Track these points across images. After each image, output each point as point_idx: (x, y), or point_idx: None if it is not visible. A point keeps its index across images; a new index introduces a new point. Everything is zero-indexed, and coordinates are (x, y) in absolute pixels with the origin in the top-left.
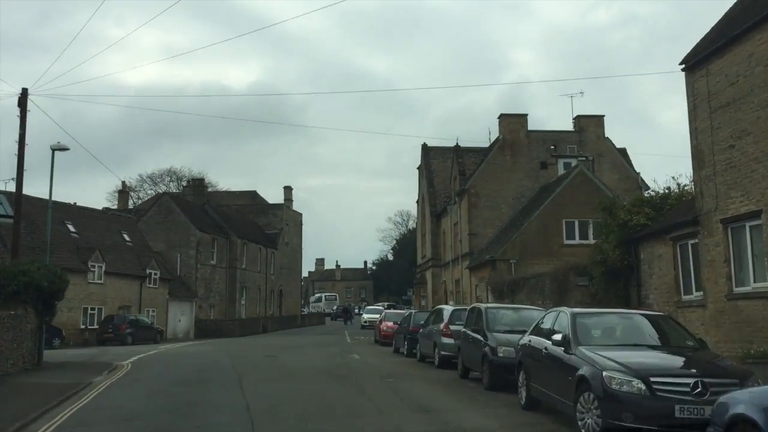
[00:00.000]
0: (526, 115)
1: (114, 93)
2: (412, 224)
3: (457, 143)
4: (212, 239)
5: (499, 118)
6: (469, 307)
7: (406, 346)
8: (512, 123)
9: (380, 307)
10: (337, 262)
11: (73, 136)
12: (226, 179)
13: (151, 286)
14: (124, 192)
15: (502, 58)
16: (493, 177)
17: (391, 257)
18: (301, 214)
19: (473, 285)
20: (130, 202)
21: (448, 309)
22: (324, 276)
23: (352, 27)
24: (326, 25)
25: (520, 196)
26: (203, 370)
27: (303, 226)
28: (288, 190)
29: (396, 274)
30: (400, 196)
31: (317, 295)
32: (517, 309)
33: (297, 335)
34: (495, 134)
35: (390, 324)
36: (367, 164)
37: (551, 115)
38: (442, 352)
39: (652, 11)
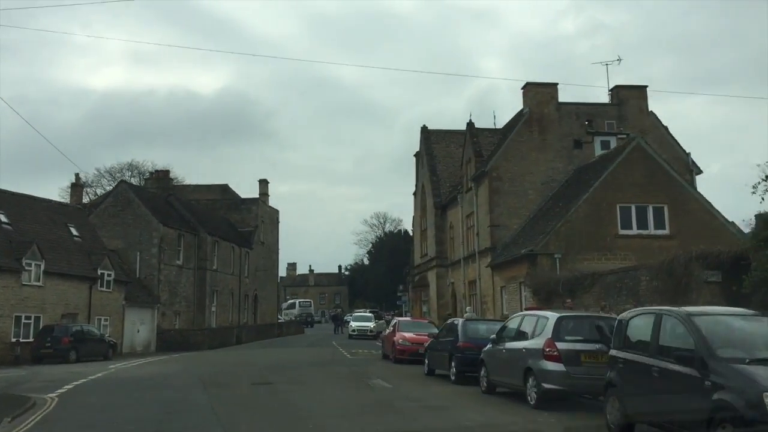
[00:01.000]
0: (557, 84)
1: (78, 96)
2: (389, 227)
3: (470, 120)
4: (178, 235)
5: (523, 88)
6: (633, 316)
7: (453, 370)
8: (540, 94)
9: (369, 314)
10: (310, 266)
11: (35, 138)
12: (193, 178)
13: (104, 289)
14: (78, 186)
15: (471, 65)
16: (519, 157)
17: (366, 261)
18: (277, 211)
19: (497, 286)
20: (86, 198)
21: (550, 317)
22: (296, 281)
23: (321, 34)
24: (294, 31)
25: (550, 181)
26: (166, 413)
27: (280, 224)
28: (263, 184)
29: (373, 279)
30: (370, 202)
31: (290, 300)
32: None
33: (279, 348)
34: (501, 116)
35: (410, 336)
36: (336, 170)
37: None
38: (545, 385)
39: (620, 21)
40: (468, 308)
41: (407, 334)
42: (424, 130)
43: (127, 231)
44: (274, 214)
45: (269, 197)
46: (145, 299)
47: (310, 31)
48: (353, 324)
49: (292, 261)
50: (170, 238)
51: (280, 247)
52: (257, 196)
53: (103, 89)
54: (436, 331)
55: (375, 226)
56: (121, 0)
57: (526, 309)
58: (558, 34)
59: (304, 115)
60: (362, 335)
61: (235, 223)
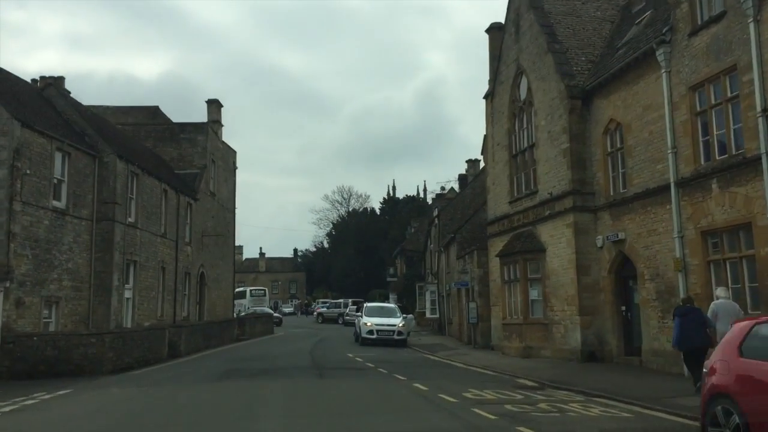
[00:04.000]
0: None
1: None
2: (355, 203)
3: None
4: (57, 151)
5: None
6: None
7: None
8: None
9: (392, 306)
10: (261, 249)
11: None
12: None
13: None
14: None
15: (416, 58)
16: None
17: (326, 244)
18: (234, 152)
19: None
20: None
21: None
22: (244, 267)
23: (265, 22)
24: (238, 18)
25: None
26: None
27: (238, 175)
28: (214, 106)
29: (337, 264)
30: (314, 192)
31: (240, 288)
32: None
33: (263, 377)
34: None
35: None
36: (279, 161)
37: (464, 117)
38: None
39: None
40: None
41: None
42: None
43: None
44: (229, 155)
45: (223, 129)
46: None
47: (256, 20)
48: (368, 321)
49: (237, 244)
50: (39, 154)
51: (238, 208)
52: (206, 121)
53: (36, 73)
54: None
55: (338, 203)
56: None
57: None
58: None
59: (248, 104)
60: (384, 339)
61: (171, 162)
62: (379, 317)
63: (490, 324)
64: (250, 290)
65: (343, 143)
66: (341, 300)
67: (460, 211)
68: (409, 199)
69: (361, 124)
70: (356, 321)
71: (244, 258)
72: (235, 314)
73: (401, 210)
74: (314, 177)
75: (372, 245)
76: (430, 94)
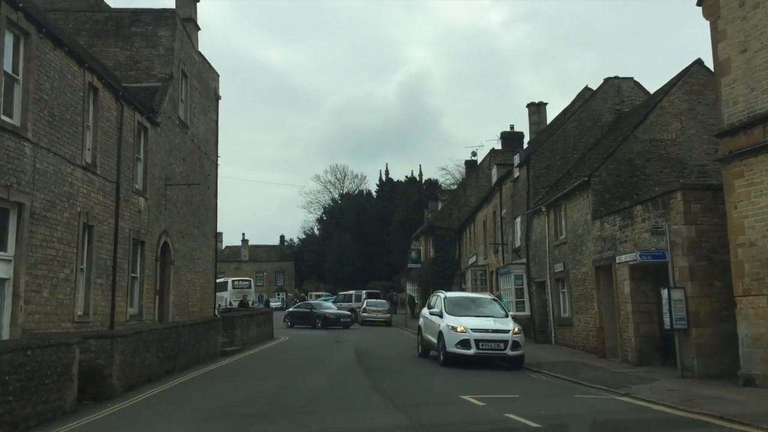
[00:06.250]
0: None
1: None
2: (350, 185)
3: None
4: None
5: None
6: None
7: None
8: None
9: (485, 295)
10: (243, 235)
11: None
12: None
13: None
14: None
15: (399, 53)
16: None
17: (317, 231)
18: (217, 74)
19: None
20: None
21: None
22: (225, 255)
23: (247, 16)
24: (220, 12)
25: None
26: None
27: (221, 113)
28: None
29: (331, 253)
30: (294, 187)
31: (220, 279)
32: None
33: None
34: None
35: None
36: (259, 156)
37: (447, 111)
38: None
39: (554, 9)
40: None
41: None
42: None
43: None
44: (209, 75)
45: (199, 30)
46: None
47: (237, 14)
48: (458, 324)
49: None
50: None
51: (220, 159)
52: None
53: None
54: None
55: (331, 184)
56: None
57: None
58: (486, 24)
59: (229, 98)
60: (490, 355)
61: (121, 64)
62: (475, 317)
63: (717, 332)
64: (233, 281)
65: (324, 137)
66: (352, 291)
67: (560, 155)
68: (410, 181)
69: (343, 118)
70: (422, 322)
71: (224, 246)
72: (216, 311)
73: (405, 191)
74: (296, 171)
75: (371, 230)
76: (413, 88)
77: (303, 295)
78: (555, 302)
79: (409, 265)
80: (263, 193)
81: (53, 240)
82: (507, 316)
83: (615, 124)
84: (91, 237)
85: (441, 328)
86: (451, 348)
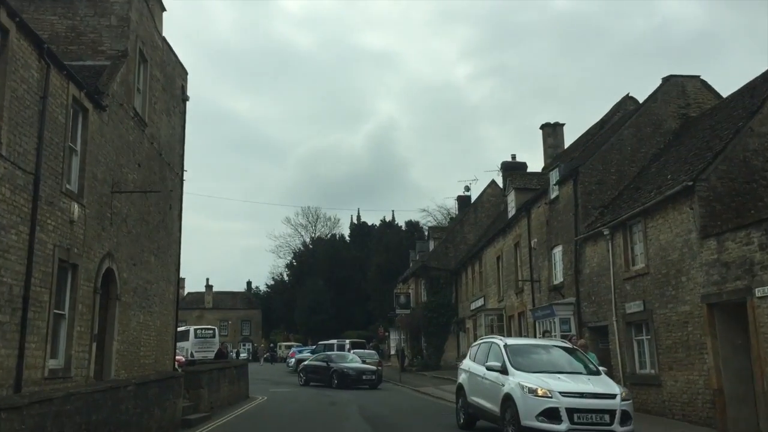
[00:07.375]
0: None
1: None
2: (322, 228)
3: None
4: None
5: None
6: None
7: None
8: None
9: (560, 343)
10: (207, 281)
11: None
12: None
13: None
14: None
15: (367, 105)
16: None
17: (287, 277)
18: (186, 71)
19: None
20: None
21: None
22: (186, 302)
23: (216, 66)
24: (191, 61)
25: None
26: None
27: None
28: None
29: (302, 301)
30: (260, 237)
31: (181, 328)
32: None
33: None
34: None
35: None
36: (225, 204)
37: (415, 162)
38: None
39: (520, 65)
40: None
41: None
42: None
43: None
44: (175, 69)
45: (164, 17)
46: None
47: (206, 64)
48: (537, 385)
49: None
50: None
51: (186, 165)
52: None
53: None
54: None
55: (303, 226)
56: None
57: None
58: (454, 78)
59: (195, 147)
60: None
61: (59, 36)
62: (558, 373)
63: None
64: (195, 330)
65: (291, 186)
66: (334, 341)
67: (615, 168)
68: (385, 225)
69: (312, 168)
70: (464, 379)
71: (186, 292)
72: (176, 364)
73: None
74: (263, 221)
75: (345, 276)
76: (382, 139)
77: (272, 345)
78: (627, 354)
79: (397, 311)
80: (228, 242)
81: None
82: (599, 372)
83: (683, 131)
84: (16, 258)
85: (508, 389)
86: (530, 420)
